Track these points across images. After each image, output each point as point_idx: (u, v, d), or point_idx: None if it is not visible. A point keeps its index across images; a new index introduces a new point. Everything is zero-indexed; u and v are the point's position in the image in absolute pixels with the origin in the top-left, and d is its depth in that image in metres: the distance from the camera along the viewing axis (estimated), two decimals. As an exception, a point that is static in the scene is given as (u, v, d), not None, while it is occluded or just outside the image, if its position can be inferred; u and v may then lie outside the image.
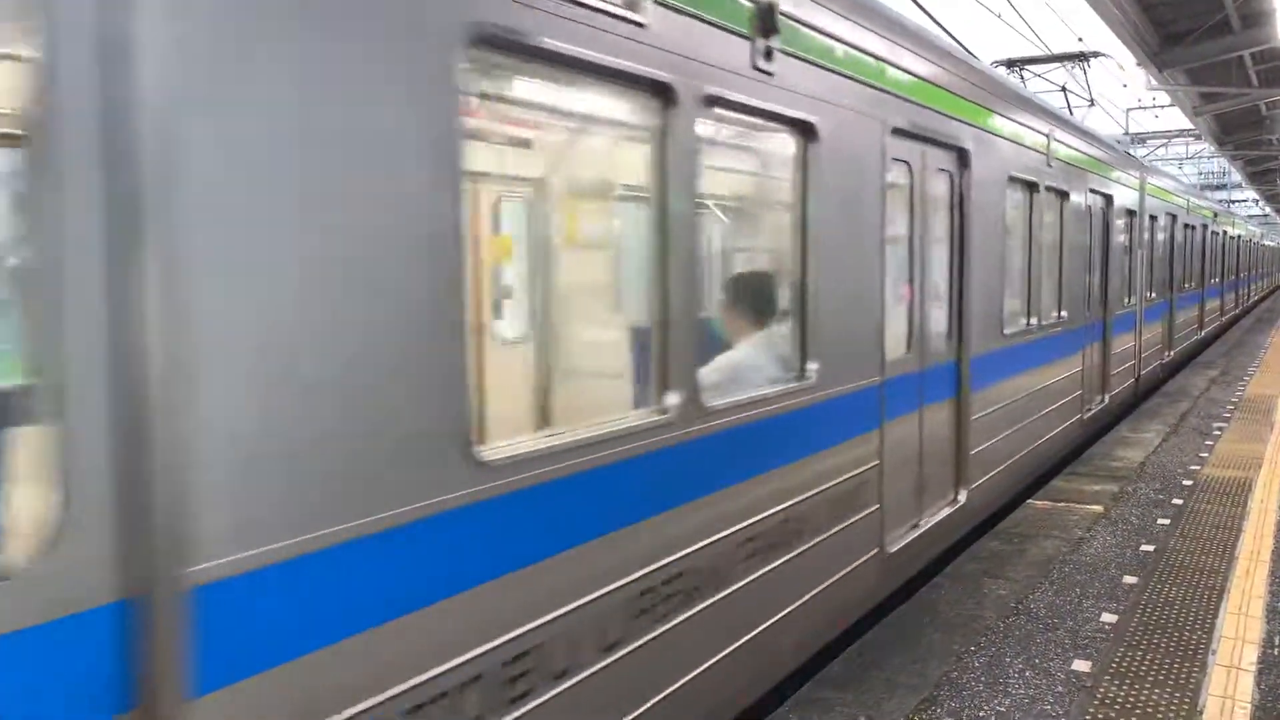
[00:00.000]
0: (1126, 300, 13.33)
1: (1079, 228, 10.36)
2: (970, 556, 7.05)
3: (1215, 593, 6.16)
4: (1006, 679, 4.98)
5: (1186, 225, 19.00)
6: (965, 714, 4.62)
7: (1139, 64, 18.76)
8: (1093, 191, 10.96)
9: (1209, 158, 54.17)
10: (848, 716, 4.63)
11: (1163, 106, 40.02)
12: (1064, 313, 9.75)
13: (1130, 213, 13.41)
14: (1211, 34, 17.56)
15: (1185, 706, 4.66)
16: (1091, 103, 19.03)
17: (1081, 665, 5.12)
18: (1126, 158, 13.65)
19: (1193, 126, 30.41)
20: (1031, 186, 8.52)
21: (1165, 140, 44.49)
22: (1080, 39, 23.41)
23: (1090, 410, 11.27)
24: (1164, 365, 16.99)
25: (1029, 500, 8.65)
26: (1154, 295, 15.44)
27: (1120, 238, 12.66)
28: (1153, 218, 15.19)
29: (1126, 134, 36.87)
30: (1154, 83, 19.96)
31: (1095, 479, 9.41)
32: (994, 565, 6.82)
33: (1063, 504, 8.49)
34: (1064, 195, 9.62)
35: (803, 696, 4.83)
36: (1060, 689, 4.85)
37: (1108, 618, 5.78)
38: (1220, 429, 11.78)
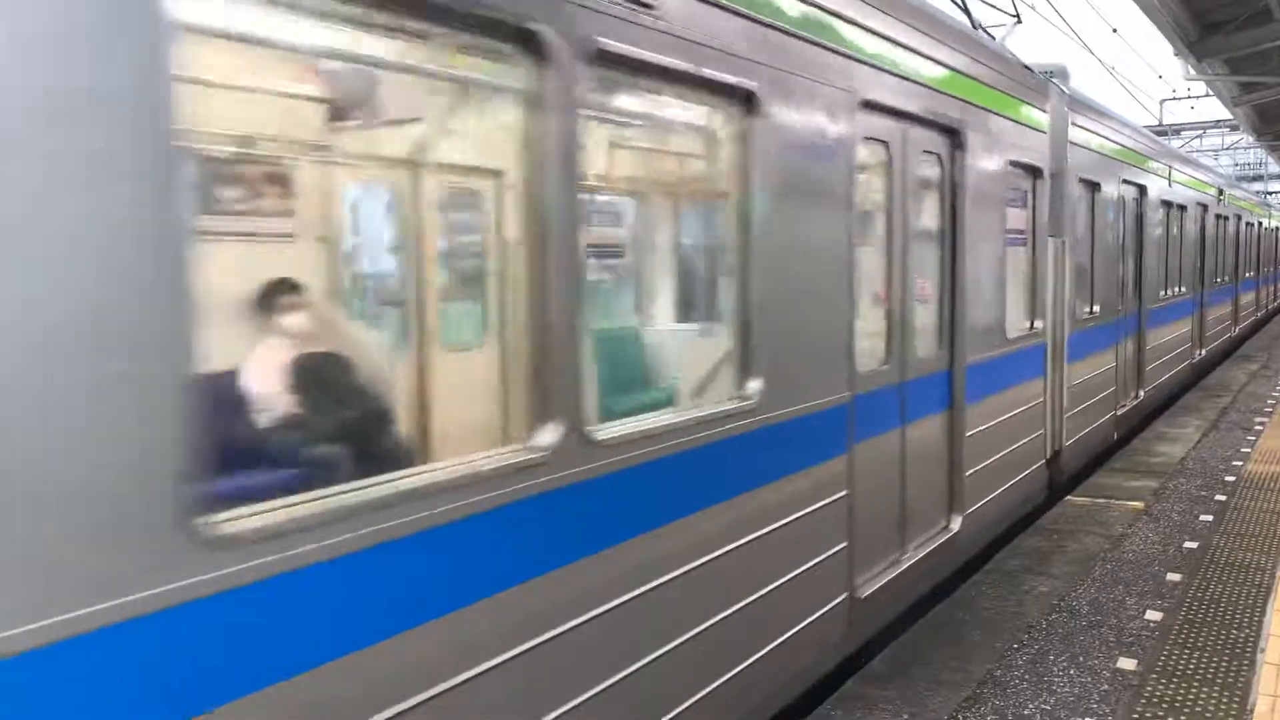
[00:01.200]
0: (1027, 327, 7.74)
1: (832, 191, 4.77)
2: (1011, 552, 6.99)
3: (1262, 590, 6.06)
4: (1051, 676, 4.93)
5: (1167, 204, 13.17)
6: (1010, 712, 4.58)
7: (1176, 54, 18.47)
8: (889, 114, 5.32)
9: (1246, 148, 53.36)
10: (891, 713, 4.61)
11: (1198, 97, 39.50)
12: (751, 386, 4.13)
13: (1032, 173, 7.74)
14: (1251, 22, 17.26)
15: (1235, 705, 4.59)
16: (1017, 19, 11.56)
17: (1127, 663, 5.06)
18: (1022, 75, 7.63)
19: (1230, 117, 29.94)
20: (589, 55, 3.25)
21: (1200, 131, 43.89)
22: (1114, 29, 23.14)
23: (877, 577, 5.26)
24: (1125, 417, 11.14)
25: (1068, 497, 8.56)
26: (1095, 311, 9.67)
27: (993, 215, 6.83)
28: (1091, 186, 9.50)
29: (1160, 124, 36.35)
30: (1192, 72, 19.65)
31: (1134, 474, 9.29)
32: (1034, 562, 6.76)
33: (1102, 500, 8.40)
34: (747, 104, 4.05)
35: (846, 693, 4.81)
36: (1106, 687, 4.80)
37: (1152, 615, 5.71)
38: (1262, 424, 11.60)
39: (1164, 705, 4.60)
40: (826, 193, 4.77)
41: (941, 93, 5.97)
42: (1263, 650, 5.17)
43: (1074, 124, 8.92)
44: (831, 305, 4.82)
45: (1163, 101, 38.44)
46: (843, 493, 4.86)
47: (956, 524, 6.31)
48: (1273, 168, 51.83)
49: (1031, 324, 7.89)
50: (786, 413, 4.41)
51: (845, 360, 4.86)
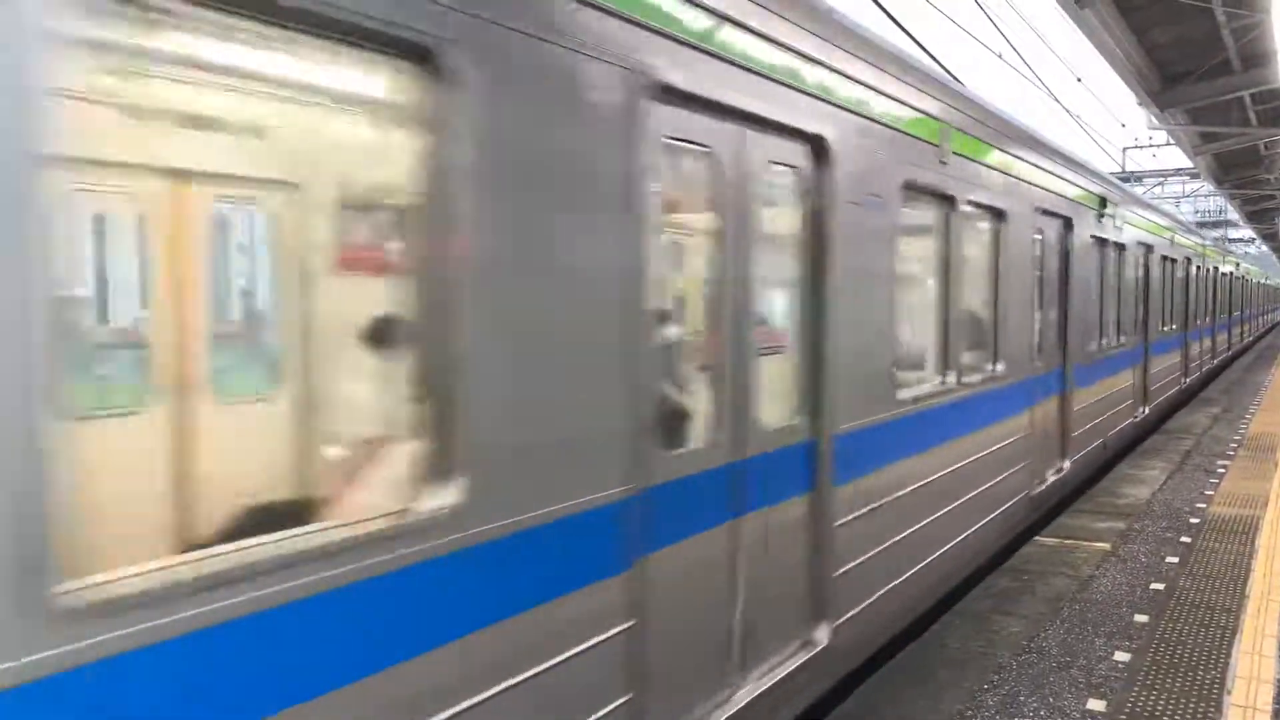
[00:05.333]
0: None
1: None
2: (981, 592, 7.02)
3: (1228, 632, 6.13)
4: (1022, 717, 4.94)
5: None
6: (981, 753, 4.57)
7: (1140, 103, 18.95)
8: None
9: (1206, 196, 54.60)
10: (863, 754, 4.59)
11: (1159, 145, 40.50)
12: (999, 366, 7.75)
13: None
14: (1212, 74, 17.76)
15: (1203, 748, 4.62)
16: None
17: (1096, 704, 5.08)
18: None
19: (1191, 165, 30.66)
20: None
21: (1162, 179, 44.88)
22: (1079, 79, 23.69)
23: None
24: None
25: (1036, 537, 8.62)
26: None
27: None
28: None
29: (1123, 171, 37.14)
30: (1155, 122, 20.15)
31: (1101, 516, 9.38)
32: (1004, 602, 6.79)
33: (1070, 541, 8.47)
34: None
35: (818, 734, 4.79)
36: (1076, 729, 4.81)
37: (1121, 656, 5.75)
38: (1224, 467, 11.77)
39: (1133, 747, 4.62)
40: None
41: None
42: (1229, 692, 5.22)
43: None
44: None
45: (1125, 149, 39.33)
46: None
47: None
48: (1231, 215, 53.05)
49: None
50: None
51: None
